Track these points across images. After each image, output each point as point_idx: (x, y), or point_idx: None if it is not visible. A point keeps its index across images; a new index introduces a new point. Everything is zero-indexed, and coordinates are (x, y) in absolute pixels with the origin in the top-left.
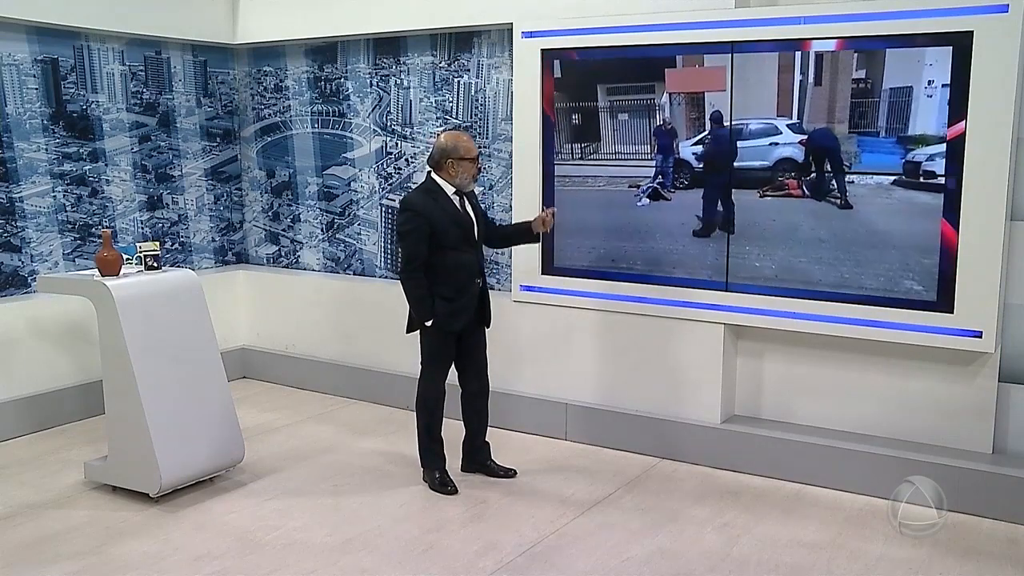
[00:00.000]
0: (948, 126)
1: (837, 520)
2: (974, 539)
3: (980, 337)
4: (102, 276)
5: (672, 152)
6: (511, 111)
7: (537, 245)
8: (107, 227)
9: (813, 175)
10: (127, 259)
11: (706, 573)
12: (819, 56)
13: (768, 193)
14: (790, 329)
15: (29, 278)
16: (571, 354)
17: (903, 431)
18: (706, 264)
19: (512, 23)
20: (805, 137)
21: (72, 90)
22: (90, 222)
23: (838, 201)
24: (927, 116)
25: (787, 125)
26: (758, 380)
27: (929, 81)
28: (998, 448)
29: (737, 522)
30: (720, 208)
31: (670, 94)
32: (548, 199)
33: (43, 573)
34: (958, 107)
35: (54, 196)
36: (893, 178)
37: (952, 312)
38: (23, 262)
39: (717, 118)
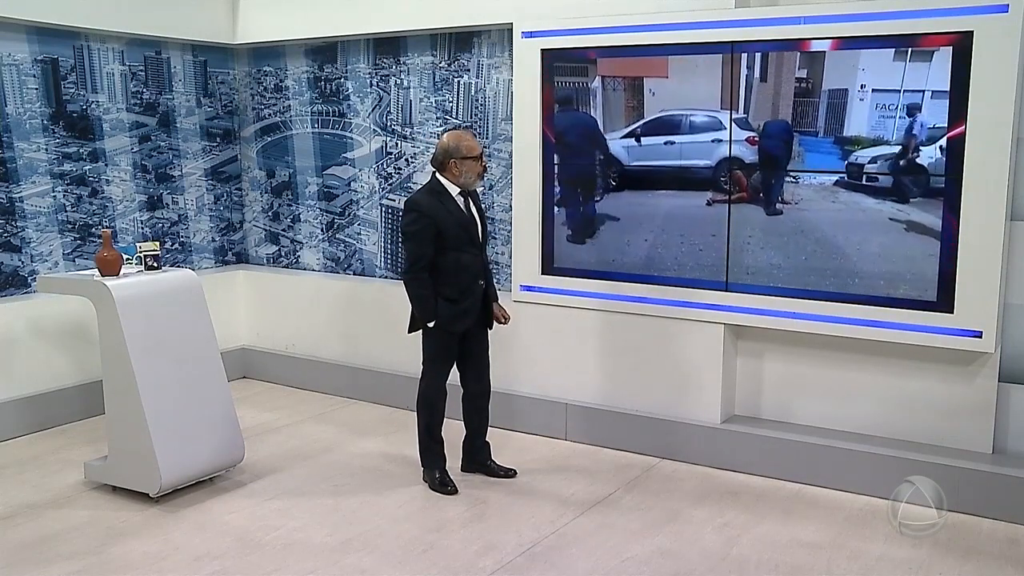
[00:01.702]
0: (948, 126)
1: (837, 520)
2: (974, 539)
3: (980, 337)
4: (102, 276)
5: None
6: (511, 111)
7: (537, 245)
8: (107, 227)
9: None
10: (127, 259)
11: (706, 573)
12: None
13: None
14: (790, 329)
15: (29, 278)
16: (571, 354)
17: (903, 431)
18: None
19: (512, 23)
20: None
21: (72, 90)
22: (90, 222)
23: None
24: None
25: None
26: (758, 380)
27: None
28: (998, 448)
29: (737, 522)
30: None
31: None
32: (548, 199)
33: (43, 573)
34: (958, 107)
35: (54, 196)
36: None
37: (952, 312)
38: (23, 262)
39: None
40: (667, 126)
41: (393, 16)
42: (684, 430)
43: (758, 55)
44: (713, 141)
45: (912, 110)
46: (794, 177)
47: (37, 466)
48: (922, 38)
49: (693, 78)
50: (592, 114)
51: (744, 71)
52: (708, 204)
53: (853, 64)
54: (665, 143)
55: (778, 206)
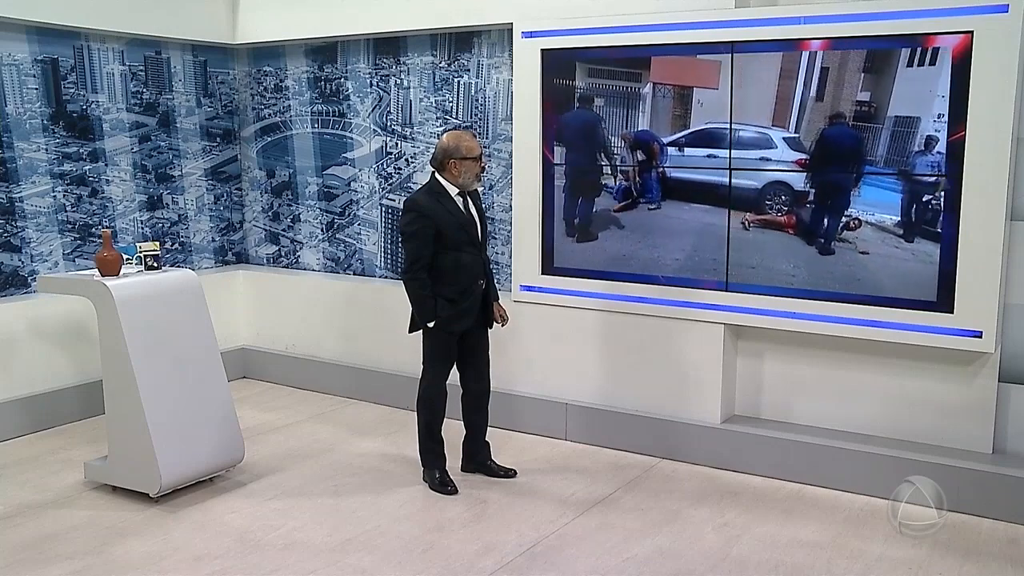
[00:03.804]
0: (948, 127)
1: (837, 520)
2: (974, 539)
3: (980, 337)
4: (102, 276)
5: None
6: (511, 111)
7: (537, 245)
8: (107, 227)
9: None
10: (127, 259)
11: (706, 573)
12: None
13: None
14: (790, 329)
15: (29, 278)
16: (571, 354)
17: (903, 431)
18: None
19: (512, 23)
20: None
21: (72, 90)
22: (90, 222)
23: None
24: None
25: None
26: (758, 380)
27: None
28: (998, 448)
29: (737, 522)
30: None
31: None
32: (548, 199)
33: (43, 573)
34: (958, 107)
35: (54, 196)
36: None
37: (952, 312)
38: (23, 262)
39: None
40: (712, 139)
41: (393, 16)
42: (684, 430)
43: (817, 71)
44: (760, 159)
45: None
46: (853, 213)
47: (37, 466)
48: (924, 38)
49: (743, 90)
50: (642, 121)
51: (799, 88)
52: (745, 227)
53: (929, 90)
54: (707, 156)
55: (833, 244)
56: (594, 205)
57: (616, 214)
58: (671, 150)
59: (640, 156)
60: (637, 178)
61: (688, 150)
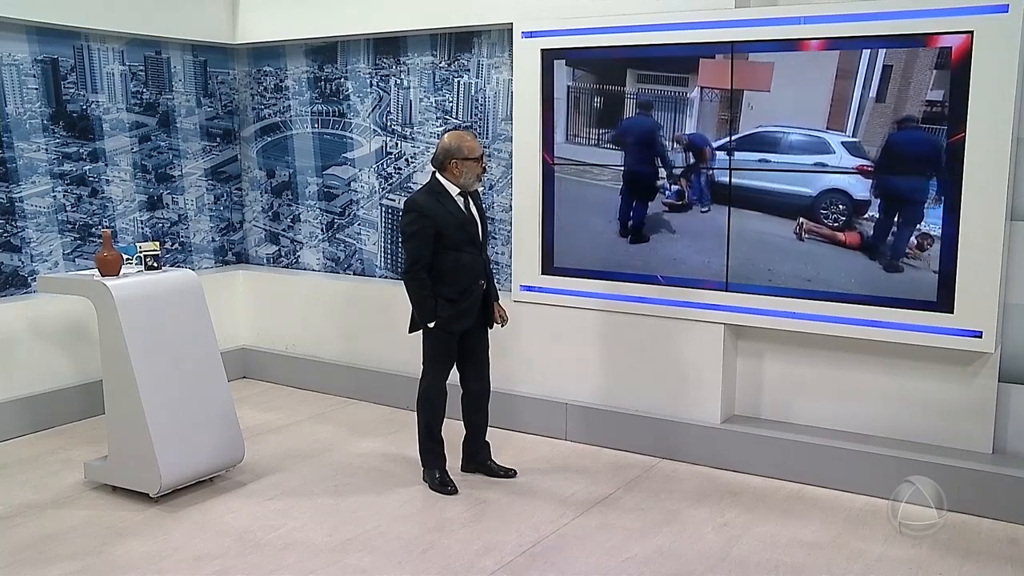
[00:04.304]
0: (947, 127)
1: (837, 520)
2: (974, 539)
3: (980, 337)
4: (102, 276)
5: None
6: (511, 111)
7: (537, 245)
8: (107, 227)
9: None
10: (127, 259)
11: (706, 573)
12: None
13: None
14: (790, 329)
15: (29, 278)
16: (571, 354)
17: (903, 431)
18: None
19: (512, 23)
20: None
21: (72, 90)
22: (90, 222)
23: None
24: None
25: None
26: (758, 380)
27: None
28: (998, 448)
29: (737, 522)
30: None
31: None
32: (548, 199)
33: (43, 573)
34: (958, 108)
35: (54, 196)
36: None
37: (952, 312)
38: (23, 262)
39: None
40: (764, 143)
41: (393, 16)
42: (684, 430)
43: (879, 69)
44: (816, 165)
45: None
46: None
47: (37, 466)
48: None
49: (794, 92)
50: (689, 125)
51: (858, 88)
52: (798, 238)
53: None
54: (759, 160)
55: (901, 262)
56: (648, 208)
57: (667, 217)
58: (721, 154)
59: (692, 159)
60: (689, 182)
61: (738, 154)
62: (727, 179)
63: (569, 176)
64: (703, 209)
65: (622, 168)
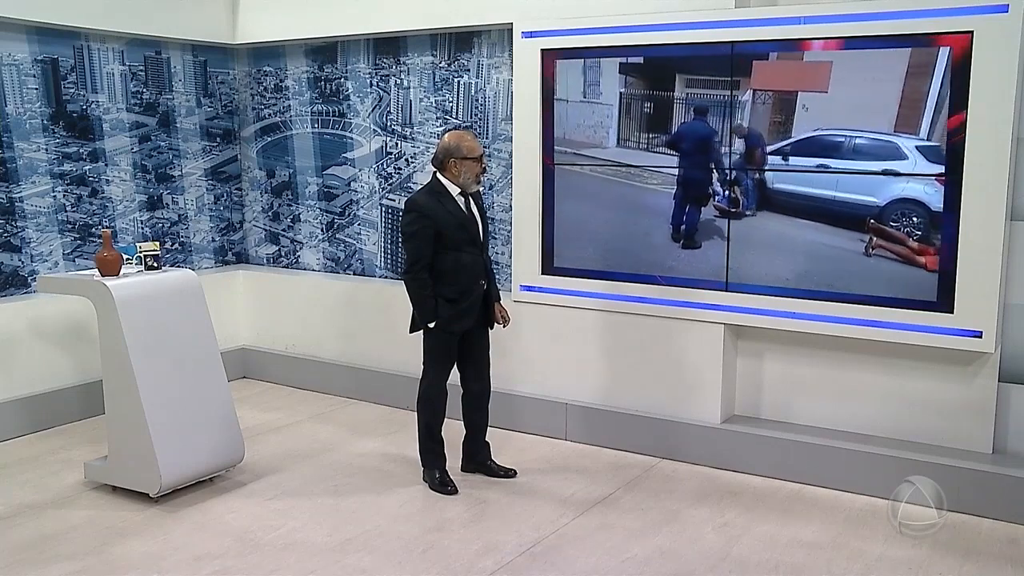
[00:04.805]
0: (947, 125)
1: (837, 520)
2: (974, 539)
3: (980, 337)
4: (102, 276)
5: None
6: (511, 111)
7: (537, 245)
8: (107, 227)
9: None
10: (127, 259)
11: (706, 573)
12: None
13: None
14: (790, 329)
15: (29, 278)
16: (571, 354)
17: (903, 431)
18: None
19: (512, 23)
20: None
21: (72, 90)
22: (90, 222)
23: None
24: None
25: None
26: (758, 380)
27: None
28: (998, 448)
29: (737, 522)
30: None
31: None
32: (548, 199)
33: (43, 573)
34: (958, 107)
35: (54, 196)
36: None
37: (952, 312)
38: (23, 262)
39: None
40: (822, 147)
41: (393, 16)
42: (684, 430)
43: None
44: (885, 172)
45: None
46: None
47: (37, 466)
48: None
49: (858, 92)
50: (746, 129)
51: (934, 87)
52: (867, 254)
53: None
54: (817, 166)
55: None
56: (701, 214)
57: (719, 224)
58: (775, 159)
59: (745, 164)
60: (742, 188)
61: (793, 159)
62: (779, 185)
63: (616, 179)
64: (749, 213)
65: (676, 171)
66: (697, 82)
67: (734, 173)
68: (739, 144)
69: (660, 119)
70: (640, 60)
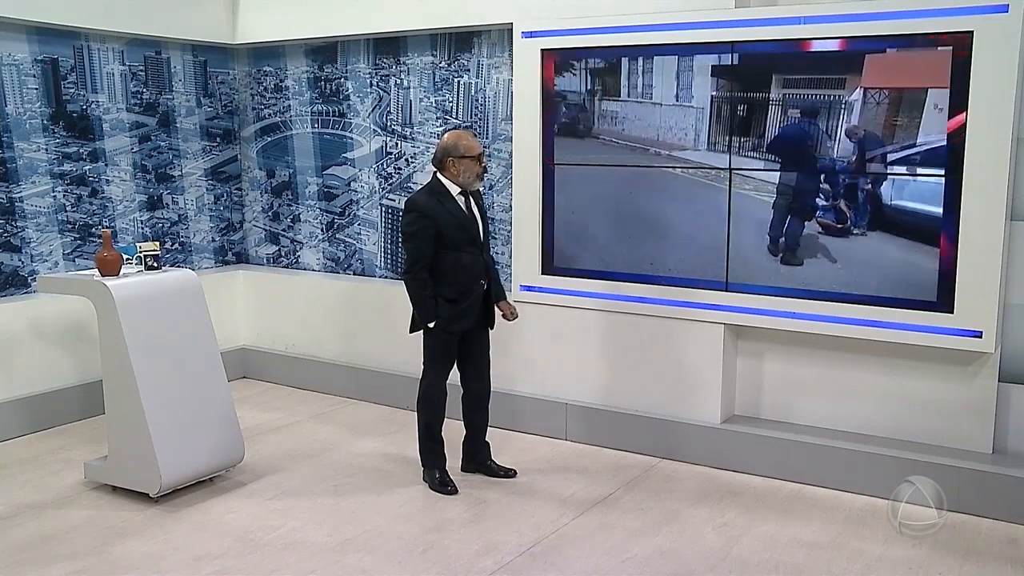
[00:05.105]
0: (948, 126)
1: (837, 520)
2: (974, 539)
3: (980, 337)
4: (102, 276)
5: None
6: (511, 111)
7: (537, 245)
8: (107, 227)
9: None
10: (127, 259)
11: (706, 573)
12: None
13: None
14: (790, 329)
15: (29, 278)
16: (571, 354)
17: (903, 431)
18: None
19: (512, 23)
20: None
21: (72, 90)
22: (90, 222)
23: None
24: None
25: None
26: (758, 380)
27: None
28: (998, 448)
29: (737, 522)
30: None
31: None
32: (548, 199)
33: (43, 573)
34: (958, 107)
35: (54, 196)
36: None
37: (952, 312)
38: (23, 262)
39: None
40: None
41: (393, 16)
42: (684, 430)
43: None
44: None
45: None
46: None
47: (37, 466)
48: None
49: None
50: (851, 132)
51: None
52: None
53: None
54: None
55: None
56: (804, 228)
57: (823, 242)
58: (897, 168)
59: (863, 156)
60: (852, 201)
61: (922, 170)
62: (901, 201)
63: (707, 181)
64: (859, 232)
65: (776, 180)
66: (794, 82)
67: (839, 178)
68: (850, 149)
69: (754, 123)
70: (732, 61)
